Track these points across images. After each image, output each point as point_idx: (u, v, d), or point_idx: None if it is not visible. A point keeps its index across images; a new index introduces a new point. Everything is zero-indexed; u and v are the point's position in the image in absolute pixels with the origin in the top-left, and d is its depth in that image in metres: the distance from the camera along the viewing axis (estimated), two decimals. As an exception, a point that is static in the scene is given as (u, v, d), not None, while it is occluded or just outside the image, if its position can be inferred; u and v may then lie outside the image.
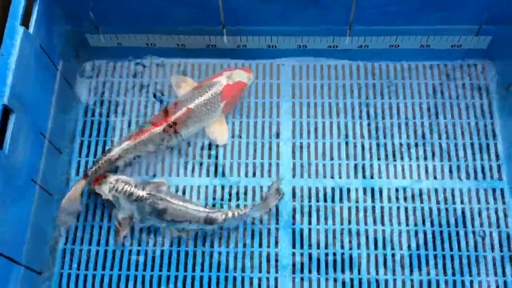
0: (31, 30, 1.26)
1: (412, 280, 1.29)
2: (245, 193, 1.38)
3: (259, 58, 1.53)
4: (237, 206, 1.37)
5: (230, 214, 1.29)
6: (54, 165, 1.38)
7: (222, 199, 1.37)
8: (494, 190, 1.37)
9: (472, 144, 1.42)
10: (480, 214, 1.35)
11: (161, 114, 1.39)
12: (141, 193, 1.30)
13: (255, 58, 1.53)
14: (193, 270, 1.31)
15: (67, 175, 1.41)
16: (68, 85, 1.47)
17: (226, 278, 1.30)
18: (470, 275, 1.29)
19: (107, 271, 1.31)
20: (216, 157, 1.42)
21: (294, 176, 1.40)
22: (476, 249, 1.32)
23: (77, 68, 1.53)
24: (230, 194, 1.38)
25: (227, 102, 1.42)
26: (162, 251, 1.33)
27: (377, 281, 1.29)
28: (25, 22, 1.25)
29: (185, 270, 1.31)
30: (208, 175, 1.40)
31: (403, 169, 1.40)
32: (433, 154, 1.41)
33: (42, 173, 1.31)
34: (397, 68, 1.52)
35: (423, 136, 1.43)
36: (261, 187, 1.38)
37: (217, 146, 1.43)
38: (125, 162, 1.38)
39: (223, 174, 1.40)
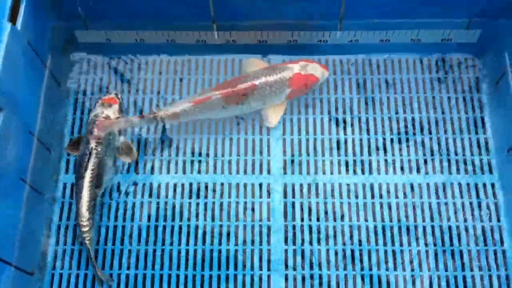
0: (18, 26, 1.24)
1: (404, 276, 1.29)
2: (237, 191, 1.38)
3: (249, 53, 1.52)
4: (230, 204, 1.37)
5: None
6: (44, 164, 1.36)
7: (213, 197, 1.37)
8: (484, 185, 1.38)
9: (462, 139, 1.42)
10: (471, 208, 1.36)
11: (226, 84, 1.38)
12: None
13: (245, 53, 1.52)
14: (186, 268, 1.31)
15: (57, 174, 1.39)
16: (57, 83, 1.45)
17: (218, 276, 1.30)
18: (463, 270, 1.30)
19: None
20: (207, 155, 1.42)
21: (285, 172, 1.40)
22: (468, 244, 1.32)
23: (66, 65, 1.51)
24: (221, 192, 1.38)
25: (293, 89, 1.41)
26: (154, 250, 1.32)
27: (370, 276, 1.30)
28: (13, 18, 1.23)
29: (178, 268, 1.30)
30: (199, 172, 1.40)
31: (394, 164, 1.40)
32: (424, 149, 1.41)
33: (32, 172, 1.30)
34: (387, 62, 1.51)
35: (414, 131, 1.43)
36: (252, 185, 1.38)
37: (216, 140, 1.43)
38: (178, 123, 1.41)
39: (215, 171, 1.40)
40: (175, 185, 1.38)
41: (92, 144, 1.33)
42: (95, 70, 1.51)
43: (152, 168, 1.40)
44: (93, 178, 1.31)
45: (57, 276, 1.30)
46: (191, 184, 1.38)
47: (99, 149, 1.33)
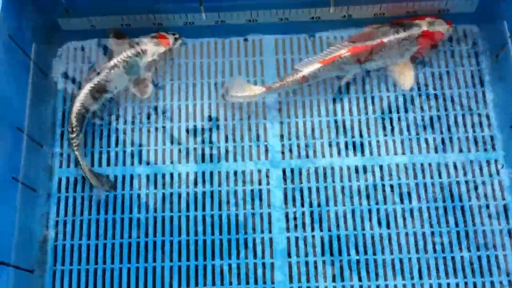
0: (-3, 20, 1.19)
1: (410, 259, 1.28)
2: (235, 177, 1.35)
3: (239, 34, 1.47)
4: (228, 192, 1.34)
5: None
6: (36, 160, 1.32)
7: (211, 185, 1.34)
8: (488, 162, 1.35)
9: (463, 115, 1.39)
10: (476, 187, 1.33)
11: (352, 41, 1.36)
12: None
13: (235, 35, 1.47)
14: (187, 259, 1.29)
15: (51, 169, 1.36)
16: (43, 74, 1.40)
17: (221, 266, 1.29)
18: (469, 251, 1.29)
19: (99, 265, 1.28)
20: (203, 142, 1.38)
21: (283, 157, 1.37)
22: (474, 223, 1.30)
23: (51, 55, 1.45)
24: (219, 179, 1.35)
25: (421, 48, 1.39)
26: (154, 242, 1.30)
27: (375, 261, 1.28)
28: (-9, 12, 1.18)
29: (179, 260, 1.29)
30: (195, 161, 1.36)
31: (394, 144, 1.37)
32: (424, 128, 1.38)
33: (24, 169, 1.26)
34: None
35: (414, 109, 1.40)
36: (251, 170, 1.35)
37: (202, 130, 1.39)
38: (308, 85, 1.40)
39: (211, 160, 1.37)
40: (172, 175, 1.35)
41: (127, 52, 1.34)
42: (82, 58, 1.45)
43: (148, 157, 1.37)
44: (97, 86, 1.32)
45: (59, 272, 1.28)
46: (179, 174, 1.35)
47: (123, 62, 1.33)
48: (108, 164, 1.36)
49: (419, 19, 1.40)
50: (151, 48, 1.38)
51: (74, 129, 1.31)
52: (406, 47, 1.37)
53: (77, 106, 1.32)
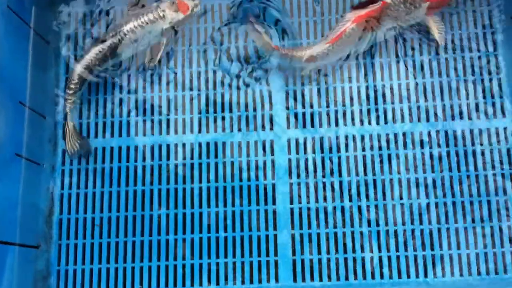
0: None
1: (422, 230, 1.27)
2: (239, 148, 1.33)
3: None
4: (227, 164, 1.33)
5: None
6: (39, 132, 1.32)
7: (216, 156, 1.33)
8: (497, 130, 1.32)
9: (474, 81, 1.34)
10: (483, 155, 1.30)
11: (356, 9, 1.31)
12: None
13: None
14: (184, 232, 1.30)
15: (55, 140, 1.35)
16: (44, 42, 1.37)
17: (226, 238, 1.30)
18: (473, 222, 1.28)
19: (104, 239, 1.29)
20: (207, 111, 1.36)
21: (288, 126, 1.35)
22: (488, 193, 1.28)
23: (52, 20, 1.41)
24: (224, 150, 1.33)
25: (432, 3, 1.30)
26: (159, 216, 1.30)
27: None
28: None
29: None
30: (200, 131, 1.35)
31: (402, 112, 1.33)
32: (433, 94, 1.34)
33: (27, 144, 1.26)
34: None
35: (423, 75, 1.35)
36: (255, 142, 1.33)
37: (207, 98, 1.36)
38: (316, 66, 1.33)
39: (215, 130, 1.35)
40: (168, 146, 1.33)
41: (145, 17, 1.31)
42: (84, 21, 1.41)
43: (144, 128, 1.35)
44: (109, 48, 1.31)
45: (64, 246, 1.29)
46: (184, 145, 1.33)
47: (140, 27, 1.31)
48: (112, 135, 1.35)
49: None
50: (170, 14, 1.33)
51: (73, 86, 1.31)
52: (413, 4, 1.28)
53: (83, 63, 1.31)
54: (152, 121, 1.35)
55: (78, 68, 1.31)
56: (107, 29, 1.39)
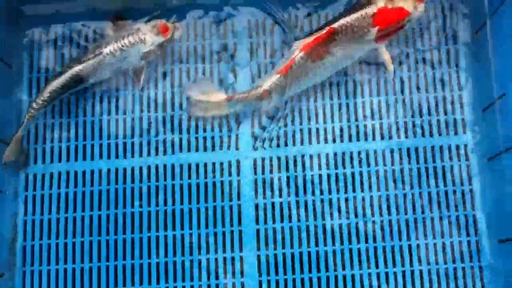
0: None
1: (384, 247, 1.29)
2: (205, 171, 1.33)
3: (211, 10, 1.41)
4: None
5: None
6: (1, 159, 1.29)
7: (181, 178, 1.33)
8: (457, 147, 1.34)
9: (436, 97, 1.36)
10: (444, 172, 1.33)
11: (304, 38, 1.26)
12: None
13: (206, 14, 1.41)
14: (157, 256, 1.30)
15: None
16: (7, 66, 1.35)
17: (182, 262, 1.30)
18: (434, 238, 1.29)
19: (69, 264, 1.28)
20: (172, 132, 1.35)
21: (254, 146, 1.35)
22: (448, 209, 1.31)
23: (15, 44, 1.38)
24: (189, 171, 1.33)
25: (380, 30, 1.24)
26: (123, 240, 1.30)
27: (350, 250, 1.29)
28: None
29: (149, 257, 1.29)
30: (164, 152, 1.34)
31: (365, 130, 1.34)
32: (396, 111, 1.35)
33: (-12, 172, 1.25)
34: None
35: (386, 91, 1.36)
36: (221, 163, 1.33)
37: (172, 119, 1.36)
38: (276, 103, 1.30)
39: (180, 151, 1.34)
40: (133, 169, 1.33)
41: (126, 40, 1.30)
42: (47, 45, 1.39)
43: (109, 151, 1.34)
44: (86, 70, 1.29)
45: (29, 273, 1.28)
46: (149, 168, 1.33)
47: (120, 50, 1.29)
48: (76, 159, 1.33)
49: None
50: (151, 37, 1.31)
51: (41, 103, 1.29)
52: (362, 30, 1.24)
53: (58, 82, 1.29)
54: (117, 144, 1.34)
55: (51, 86, 1.29)
56: (70, 57, 1.38)
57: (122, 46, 1.30)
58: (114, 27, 1.35)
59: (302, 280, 1.27)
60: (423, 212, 1.31)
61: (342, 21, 1.23)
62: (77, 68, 1.29)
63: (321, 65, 1.26)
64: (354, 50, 1.27)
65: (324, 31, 1.23)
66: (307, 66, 1.25)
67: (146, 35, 1.31)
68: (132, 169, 1.33)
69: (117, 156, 1.34)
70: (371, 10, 1.24)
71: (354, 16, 1.23)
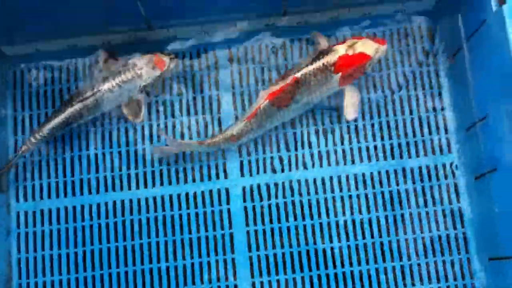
0: None
1: (377, 269, 1.30)
2: (195, 201, 1.34)
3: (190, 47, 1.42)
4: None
5: None
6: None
7: (171, 209, 1.34)
8: (444, 166, 1.36)
9: (420, 118, 1.38)
10: (432, 192, 1.34)
11: (272, 86, 1.28)
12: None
13: (186, 48, 1.42)
14: (141, 263, 1.31)
15: (8, 203, 1.33)
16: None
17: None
18: (426, 257, 1.31)
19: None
20: (160, 164, 1.36)
21: (242, 174, 1.36)
22: (430, 230, 1.32)
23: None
24: (179, 202, 1.34)
25: (343, 75, 1.27)
26: (117, 273, 1.30)
27: (343, 274, 1.30)
28: None
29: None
30: (153, 185, 1.35)
31: (352, 153, 1.36)
32: (382, 133, 1.37)
33: (-21, 211, 1.25)
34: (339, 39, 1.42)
35: (371, 115, 1.38)
36: (219, 189, 1.34)
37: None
38: (243, 143, 1.33)
39: (169, 183, 1.35)
40: (123, 202, 1.34)
41: (122, 76, 1.30)
42: (30, 84, 1.40)
43: (98, 185, 1.35)
44: (84, 108, 1.30)
45: (24, 310, 1.29)
46: (139, 201, 1.34)
47: (117, 86, 1.30)
48: (65, 194, 1.34)
49: (340, 43, 1.29)
50: (147, 71, 1.32)
51: (40, 138, 1.30)
52: (325, 77, 1.26)
53: (59, 119, 1.30)
54: (105, 178, 1.35)
55: (52, 123, 1.30)
56: (62, 95, 1.39)
57: (120, 82, 1.31)
58: (104, 64, 1.36)
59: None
60: (414, 233, 1.32)
61: (305, 70, 1.26)
62: (77, 106, 1.30)
63: (286, 111, 1.29)
64: (319, 95, 1.30)
65: (288, 80, 1.26)
66: (272, 112, 1.28)
67: (142, 70, 1.32)
68: (122, 202, 1.34)
69: (106, 190, 1.34)
70: (332, 58, 1.27)
71: (316, 65, 1.26)
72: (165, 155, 1.34)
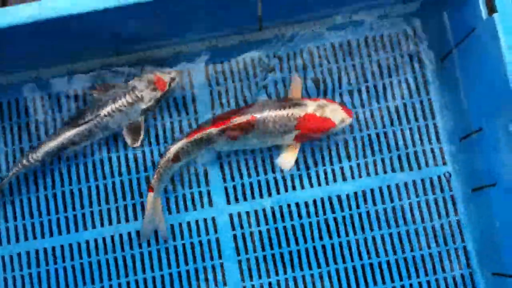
0: None
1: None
2: (181, 232, 1.27)
3: (166, 66, 1.34)
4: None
5: None
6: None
7: (157, 243, 1.27)
8: (439, 177, 1.30)
9: (410, 129, 1.32)
10: (428, 206, 1.28)
11: (225, 115, 1.23)
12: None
13: (162, 66, 1.34)
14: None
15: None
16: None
17: None
18: (426, 275, 1.25)
19: None
20: (140, 196, 1.29)
21: (228, 201, 1.29)
22: (429, 247, 1.27)
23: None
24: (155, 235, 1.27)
25: (302, 133, 1.22)
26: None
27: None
28: None
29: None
30: (135, 218, 1.28)
31: (342, 171, 1.29)
32: (372, 147, 1.30)
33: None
34: (320, 49, 1.34)
35: (360, 128, 1.32)
36: (196, 221, 1.28)
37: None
38: (186, 163, 1.27)
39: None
40: (104, 240, 1.27)
41: (123, 100, 1.24)
42: (27, 112, 1.31)
43: (76, 223, 1.28)
44: (85, 132, 1.24)
45: None
46: (121, 236, 1.27)
47: (118, 111, 1.24)
48: (35, 236, 1.27)
49: (313, 100, 1.23)
50: (148, 94, 1.26)
51: (33, 161, 1.23)
52: (284, 128, 1.21)
53: (55, 143, 1.24)
54: (83, 214, 1.28)
55: (47, 147, 1.23)
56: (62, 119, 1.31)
57: (120, 106, 1.24)
58: (101, 89, 1.28)
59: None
60: (412, 250, 1.27)
61: (267, 113, 1.21)
62: (74, 131, 1.24)
63: (233, 143, 1.24)
64: (269, 139, 1.24)
65: (245, 117, 1.21)
66: (216, 139, 1.23)
67: (143, 92, 1.26)
68: (104, 240, 1.26)
69: (85, 227, 1.27)
70: (298, 112, 1.21)
71: (280, 113, 1.21)
72: (152, 230, 1.26)
